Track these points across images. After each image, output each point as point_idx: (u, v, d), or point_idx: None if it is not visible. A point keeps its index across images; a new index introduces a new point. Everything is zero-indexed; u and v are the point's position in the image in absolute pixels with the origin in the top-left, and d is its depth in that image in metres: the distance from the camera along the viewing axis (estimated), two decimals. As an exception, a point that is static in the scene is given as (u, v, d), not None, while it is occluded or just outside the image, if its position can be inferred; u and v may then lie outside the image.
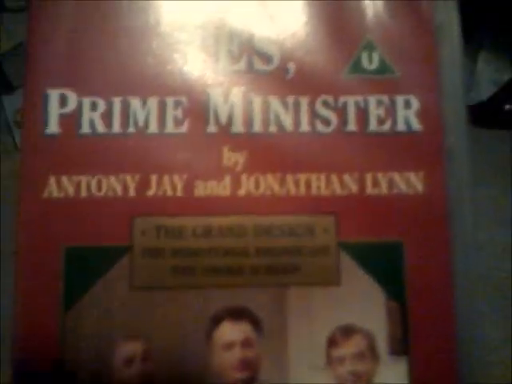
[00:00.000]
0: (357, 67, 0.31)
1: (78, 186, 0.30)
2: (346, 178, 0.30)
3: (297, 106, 0.31)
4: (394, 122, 0.31)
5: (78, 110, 0.30)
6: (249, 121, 0.30)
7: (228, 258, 0.29)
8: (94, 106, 0.30)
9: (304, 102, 0.31)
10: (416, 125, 0.31)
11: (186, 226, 0.29)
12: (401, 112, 0.31)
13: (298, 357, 0.29)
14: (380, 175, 0.30)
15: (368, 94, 0.31)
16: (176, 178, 0.30)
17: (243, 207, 0.30)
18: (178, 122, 0.30)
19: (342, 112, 0.31)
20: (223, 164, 0.30)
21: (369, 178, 0.30)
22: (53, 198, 0.30)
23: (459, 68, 0.31)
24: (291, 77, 0.31)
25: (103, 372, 0.28)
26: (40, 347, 0.28)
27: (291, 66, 0.31)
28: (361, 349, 0.29)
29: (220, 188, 0.30)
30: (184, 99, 0.31)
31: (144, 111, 0.30)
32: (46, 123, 0.30)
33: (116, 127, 0.30)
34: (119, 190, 0.30)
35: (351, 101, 0.31)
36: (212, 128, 0.30)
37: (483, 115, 0.51)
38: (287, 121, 0.31)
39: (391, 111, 0.31)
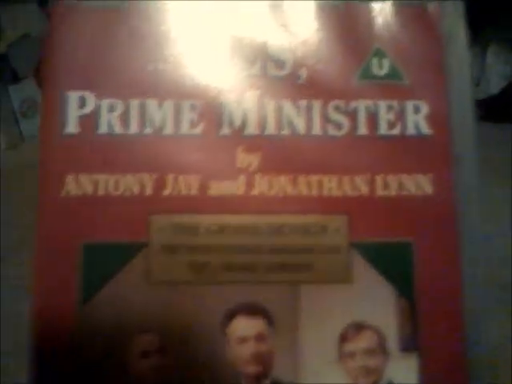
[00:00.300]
0: (367, 73, 0.32)
1: (96, 185, 0.30)
2: (357, 179, 0.31)
3: (309, 109, 0.32)
4: (404, 126, 0.32)
5: (97, 111, 0.31)
6: (262, 123, 0.31)
7: (242, 255, 0.30)
8: (111, 108, 0.31)
9: (316, 106, 0.32)
10: (425, 129, 0.31)
11: (201, 223, 0.30)
12: (410, 116, 0.32)
13: (310, 352, 0.29)
14: (390, 177, 0.31)
15: (378, 99, 0.32)
16: (191, 177, 0.31)
17: (257, 206, 0.30)
18: (193, 124, 0.31)
19: (353, 116, 0.32)
20: (237, 165, 0.31)
21: (379, 179, 0.31)
22: (71, 195, 0.30)
23: (467, 74, 0.32)
24: (303, 82, 0.32)
25: (120, 364, 0.29)
26: (58, 339, 0.29)
27: (303, 72, 0.32)
28: (371, 344, 0.29)
29: (234, 188, 0.31)
30: (199, 102, 0.31)
31: (160, 113, 0.31)
32: (65, 124, 0.31)
33: (133, 128, 0.31)
34: (136, 188, 0.30)
35: (362, 105, 0.32)
36: (226, 130, 0.31)
37: (493, 110, 0.51)
38: (300, 124, 0.31)
39: (401, 116, 0.32)
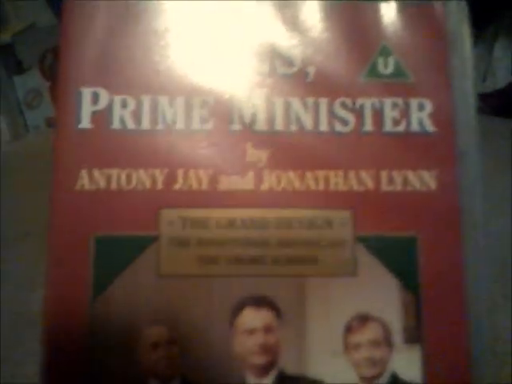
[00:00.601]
0: (373, 71, 0.33)
1: (108, 179, 0.31)
2: (363, 174, 0.32)
3: (316, 106, 0.32)
4: (409, 124, 0.32)
5: (109, 107, 0.32)
6: (271, 120, 0.32)
7: (250, 248, 0.31)
8: (124, 104, 0.32)
9: (323, 103, 0.32)
10: (429, 126, 0.32)
11: (211, 217, 0.31)
12: (415, 114, 0.32)
13: (317, 343, 0.30)
14: (395, 173, 0.32)
15: (384, 97, 0.33)
16: (201, 172, 0.31)
17: (265, 201, 0.31)
18: (204, 120, 0.32)
19: (359, 113, 0.32)
20: (247, 160, 0.32)
21: (384, 175, 0.32)
22: (85, 190, 0.31)
23: (471, 72, 0.33)
24: (311, 80, 0.33)
25: (130, 355, 0.30)
26: (70, 331, 0.30)
27: (311, 70, 0.33)
28: (377, 336, 0.30)
29: (243, 183, 0.31)
30: (210, 99, 0.32)
31: (172, 109, 0.32)
32: (78, 119, 0.32)
33: (145, 124, 0.32)
34: (148, 183, 0.31)
35: (368, 103, 0.33)
36: (236, 126, 0.32)
37: (499, 104, 0.51)
38: (307, 121, 0.32)
39: (406, 113, 0.32)
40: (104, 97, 0.32)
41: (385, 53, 0.33)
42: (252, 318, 0.30)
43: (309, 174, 0.31)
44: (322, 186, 0.31)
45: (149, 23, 0.33)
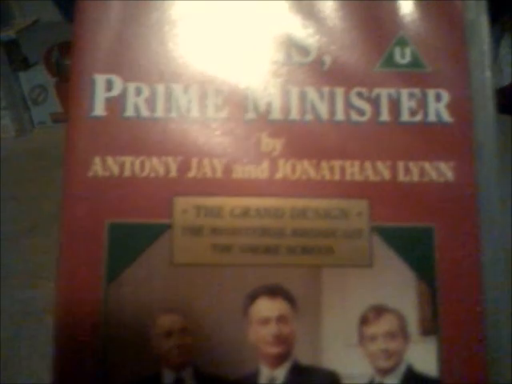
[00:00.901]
0: (390, 61, 0.32)
1: (122, 166, 0.31)
2: (379, 165, 0.31)
3: (332, 96, 0.32)
4: (426, 114, 0.32)
5: (123, 94, 0.32)
6: (286, 109, 0.32)
7: (265, 237, 0.30)
8: (138, 91, 0.32)
9: (339, 92, 0.32)
10: (446, 117, 0.32)
11: (225, 206, 0.31)
12: (432, 104, 0.32)
13: (332, 334, 0.30)
14: (411, 163, 0.31)
15: (400, 87, 0.32)
16: (216, 161, 0.31)
17: (280, 190, 0.31)
18: (218, 108, 0.32)
19: (375, 103, 0.32)
20: (261, 149, 0.31)
21: (401, 165, 0.31)
22: (98, 176, 0.31)
23: (488, 63, 0.32)
24: (327, 69, 0.32)
25: (143, 343, 0.29)
26: (83, 318, 0.29)
27: (327, 59, 0.32)
28: (392, 328, 0.30)
29: (258, 171, 0.31)
30: (225, 87, 0.32)
31: (186, 97, 0.32)
32: (92, 106, 0.32)
33: (159, 111, 0.32)
34: (161, 170, 0.31)
35: (384, 93, 0.32)
36: (251, 115, 0.32)
37: (504, 101, 0.51)
38: (323, 110, 0.32)
39: (422, 103, 0.32)
40: (118, 84, 0.32)
41: (402, 43, 0.33)
42: (266, 307, 0.30)
43: (324, 164, 0.31)
44: (337, 176, 0.31)
45: (163, 11, 0.33)
